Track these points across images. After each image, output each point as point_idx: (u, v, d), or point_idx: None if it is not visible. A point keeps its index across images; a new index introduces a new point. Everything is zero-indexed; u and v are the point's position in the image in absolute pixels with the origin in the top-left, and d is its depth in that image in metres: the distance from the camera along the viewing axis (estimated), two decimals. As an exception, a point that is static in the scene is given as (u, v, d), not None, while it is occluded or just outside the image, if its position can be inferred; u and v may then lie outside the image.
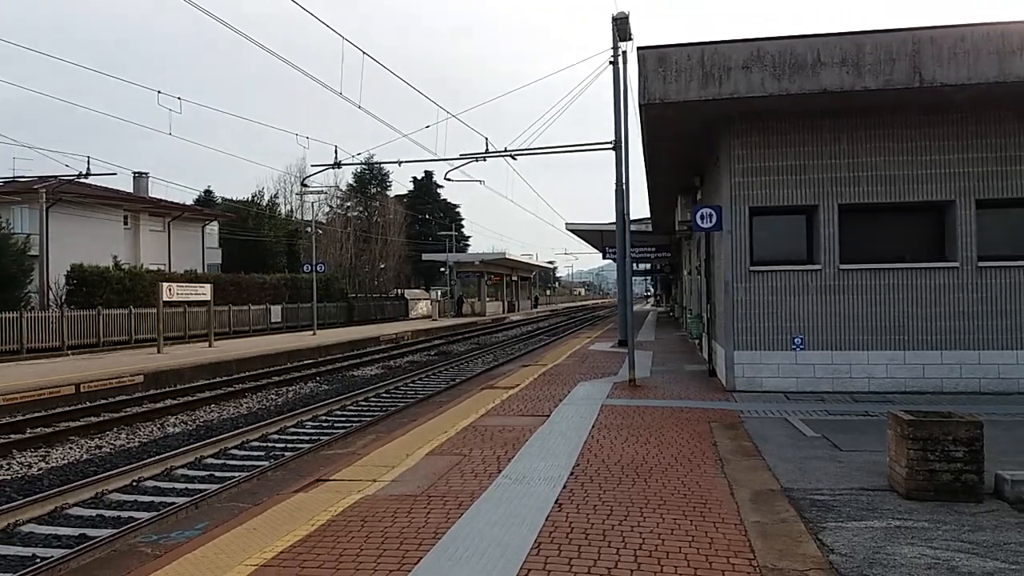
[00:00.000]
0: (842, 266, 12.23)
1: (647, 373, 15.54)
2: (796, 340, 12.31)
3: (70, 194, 35.29)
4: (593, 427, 9.50)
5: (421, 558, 4.88)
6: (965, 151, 11.94)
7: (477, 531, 5.42)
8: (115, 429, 13.46)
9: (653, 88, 11.86)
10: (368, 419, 13.94)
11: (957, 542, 5.11)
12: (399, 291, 66.43)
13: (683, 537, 5.25)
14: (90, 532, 7.67)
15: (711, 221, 12.98)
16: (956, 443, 6.03)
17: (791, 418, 10.05)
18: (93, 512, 8.45)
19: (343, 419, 14.33)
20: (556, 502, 6.14)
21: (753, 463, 7.53)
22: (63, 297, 31.21)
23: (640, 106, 12.31)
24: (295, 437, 12.65)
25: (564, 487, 6.61)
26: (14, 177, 37.78)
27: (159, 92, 23.64)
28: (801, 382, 12.30)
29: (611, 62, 22.72)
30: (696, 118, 12.96)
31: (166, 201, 45.18)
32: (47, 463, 11.08)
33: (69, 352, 25.95)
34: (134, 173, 47.03)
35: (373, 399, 16.80)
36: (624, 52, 17.67)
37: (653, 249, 36.69)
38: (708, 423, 9.79)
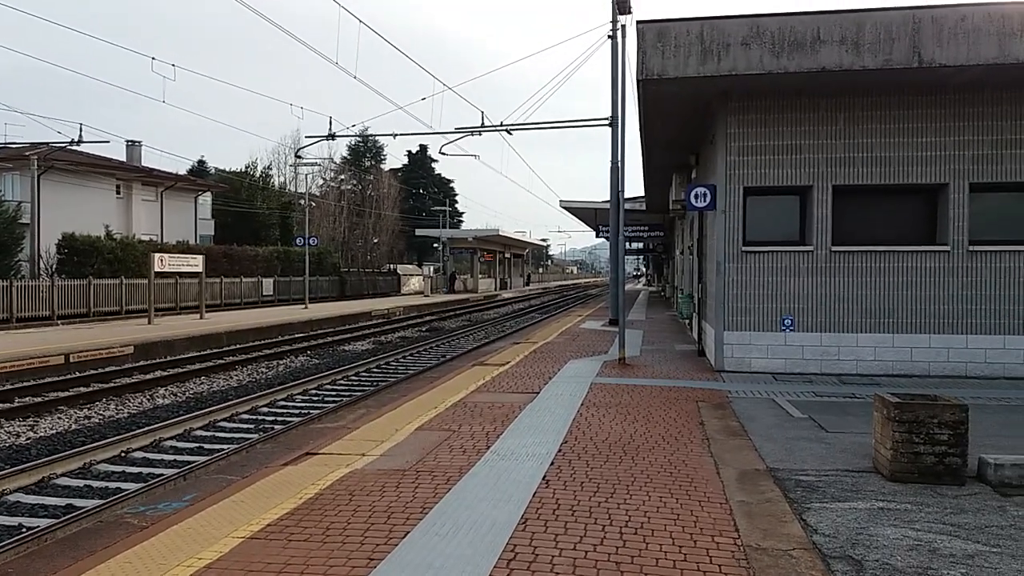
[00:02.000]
0: (834, 248, 12.24)
1: (637, 352, 15.58)
2: (786, 321, 12.35)
3: (62, 161, 34.96)
4: (582, 405, 9.53)
5: (408, 533, 4.89)
6: (960, 133, 11.92)
7: (465, 506, 5.43)
8: (104, 400, 13.45)
9: (652, 63, 11.77)
10: (359, 394, 13.95)
11: (939, 524, 5.15)
12: (392, 266, 66.30)
13: (668, 515, 5.28)
14: (77, 502, 7.69)
15: (705, 200, 12.95)
16: (941, 426, 6.07)
17: (778, 399, 10.10)
18: (81, 482, 8.46)
19: (333, 393, 14.34)
20: (544, 479, 6.16)
21: (740, 443, 7.57)
22: (54, 266, 31.00)
23: (638, 81, 12.22)
24: (285, 410, 12.65)
25: (552, 464, 6.63)
26: (5, 143, 37.47)
27: (153, 59, 23.48)
28: (789, 363, 12.35)
29: (610, 36, 22.55)
30: (694, 95, 12.88)
31: (159, 170, 44.80)
32: (35, 433, 11.06)
33: (59, 322, 25.86)
34: (127, 141, 46.56)
35: (364, 374, 16.81)
36: (623, 26, 17.50)
37: (646, 228, 36.69)
38: (696, 402, 9.83)
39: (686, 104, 13.60)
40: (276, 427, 11.13)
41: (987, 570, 4.37)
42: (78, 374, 15.47)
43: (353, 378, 16.18)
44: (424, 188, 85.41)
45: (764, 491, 5.90)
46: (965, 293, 11.95)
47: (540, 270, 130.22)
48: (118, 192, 41.44)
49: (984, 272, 11.94)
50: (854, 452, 7.12)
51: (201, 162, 63.43)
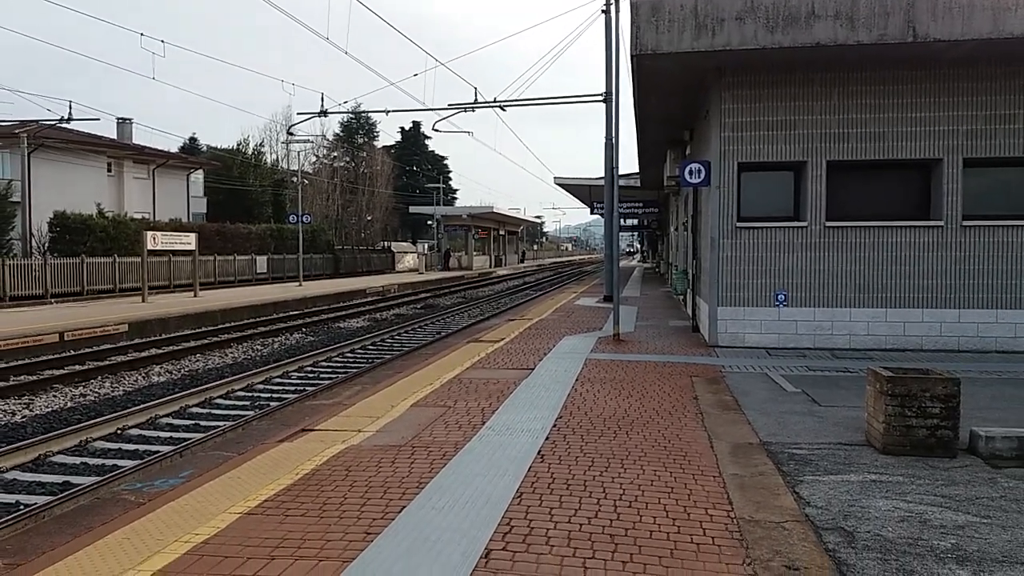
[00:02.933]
0: (828, 223, 12.25)
1: (631, 328, 15.63)
2: (779, 296, 12.38)
3: (52, 139, 34.65)
4: (577, 380, 9.57)
5: (404, 507, 4.93)
6: (954, 109, 11.89)
7: (460, 481, 5.47)
8: (99, 377, 13.46)
9: (645, 38, 11.68)
10: (354, 370, 13.99)
11: (930, 496, 5.21)
12: (386, 244, 66.08)
13: (662, 488, 5.32)
14: (74, 480, 7.72)
15: (699, 176, 12.92)
16: (933, 399, 6.12)
17: (772, 373, 10.16)
18: (77, 460, 8.49)
19: (329, 370, 14.37)
20: (539, 453, 6.20)
21: (733, 417, 7.63)
22: (46, 244, 30.85)
23: (632, 57, 12.13)
24: (280, 387, 12.68)
25: (547, 439, 6.67)
26: (-6, 121, 37.06)
27: (142, 35, 23.24)
28: (783, 338, 12.40)
29: (603, 11, 22.32)
30: (688, 70, 12.80)
31: (150, 148, 44.46)
32: (31, 411, 11.08)
33: (53, 300, 25.78)
34: (117, 119, 46.14)
35: (359, 351, 16.84)
36: (617, 0, 17.37)
37: (641, 204, 36.63)
38: (690, 377, 9.88)
39: (680, 80, 13.52)
40: (272, 404, 11.16)
41: (977, 540, 4.43)
42: (73, 352, 15.46)
43: (348, 355, 16.20)
44: (418, 165, 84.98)
45: (757, 464, 5.95)
46: (958, 268, 11.99)
47: (535, 247, 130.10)
48: (109, 170, 41.15)
49: (977, 247, 11.97)
50: (847, 426, 7.17)
51: (193, 139, 62.91)
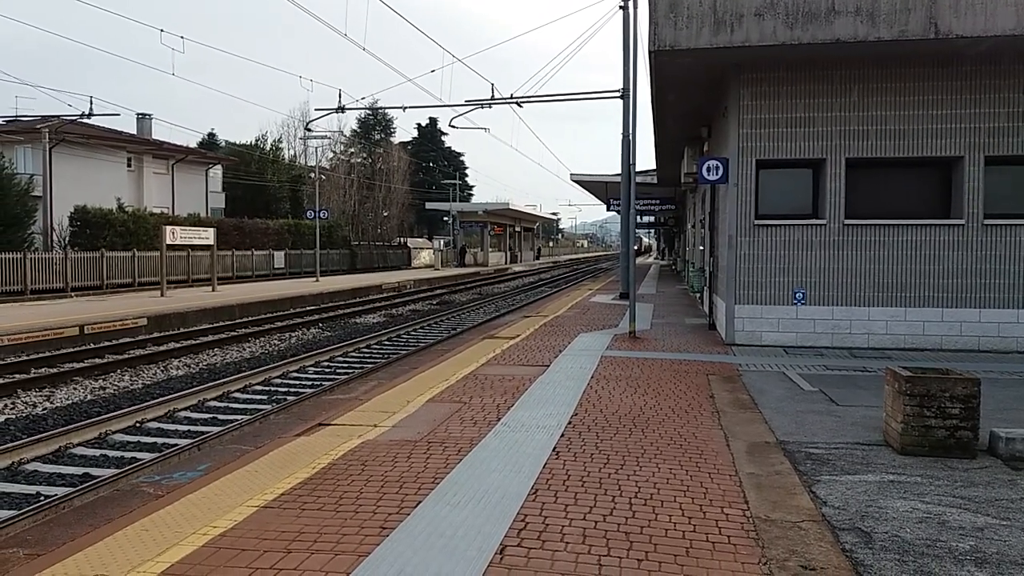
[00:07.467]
0: (847, 221, 12.15)
1: (647, 325, 15.58)
2: (797, 295, 12.30)
3: (73, 134, 35.00)
4: (592, 378, 9.56)
5: (420, 502, 4.95)
6: (976, 106, 11.75)
7: (475, 477, 5.48)
8: (119, 371, 13.59)
9: (663, 34, 11.62)
10: (370, 366, 14.04)
11: (949, 497, 5.16)
12: (402, 240, 66.25)
13: (678, 487, 5.31)
14: (94, 471, 7.81)
15: (717, 173, 12.86)
16: (953, 400, 6.06)
17: (789, 372, 10.10)
18: (97, 452, 8.58)
19: (345, 365, 14.43)
20: (554, 450, 6.20)
21: (750, 416, 7.59)
22: (66, 239, 31.17)
23: (649, 53, 12.07)
24: (297, 382, 12.76)
25: (562, 436, 6.67)
26: (16, 116, 37.48)
27: (162, 31, 23.38)
28: (800, 337, 12.33)
29: (621, 7, 22.29)
30: (706, 67, 12.73)
31: (170, 143, 44.81)
32: (52, 403, 11.21)
33: (73, 294, 26.06)
34: (137, 114, 46.69)
35: (375, 346, 16.90)
36: (634, -2, 17.31)
37: (657, 201, 36.44)
38: (706, 375, 9.84)
39: (698, 76, 13.45)
40: (289, 398, 11.23)
41: (996, 542, 4.39)
42: (93, 345, 15.63)
43: (364, 350, 16.27)
44: (434, 161, 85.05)
45: (774, 463, 5.92)
46: (979, 267, 11.86)
47: (551, 244, 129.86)
48: (129, 165, 41.53)
49: (999, 246, 11.83)
50: (865, 425, 7.12)
51: (211, 135, 63.28)
